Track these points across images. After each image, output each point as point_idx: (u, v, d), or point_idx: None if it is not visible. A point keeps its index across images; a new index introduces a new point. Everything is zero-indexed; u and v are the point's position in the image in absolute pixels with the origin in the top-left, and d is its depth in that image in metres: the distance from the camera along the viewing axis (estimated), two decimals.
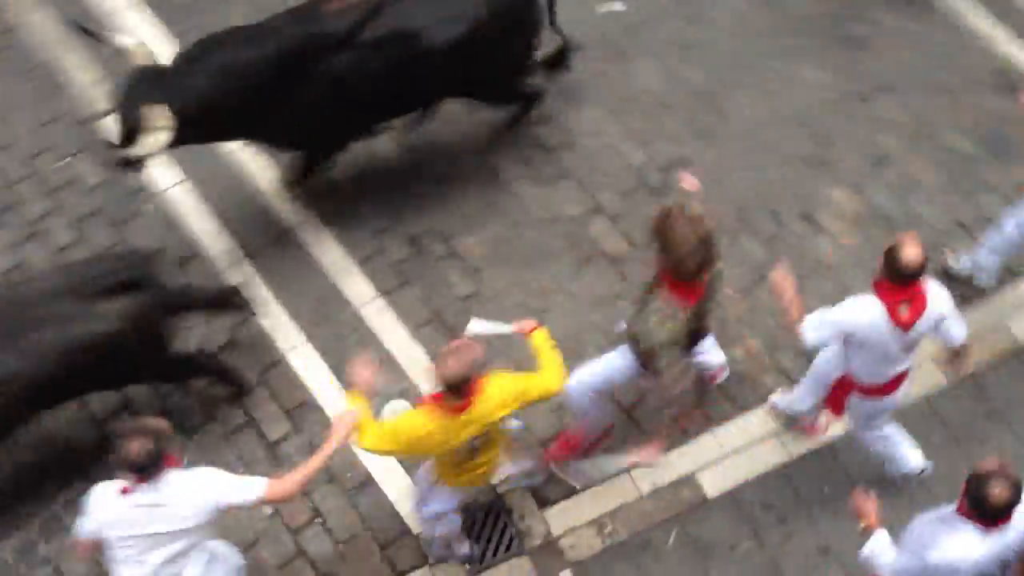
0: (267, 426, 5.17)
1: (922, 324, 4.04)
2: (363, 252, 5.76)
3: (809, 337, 4.10)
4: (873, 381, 4.27)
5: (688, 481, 4.99)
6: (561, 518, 4.91)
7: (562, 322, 5.47)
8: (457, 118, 6.17)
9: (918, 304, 3.97)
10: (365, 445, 3.94)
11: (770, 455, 5.04)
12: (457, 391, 3.84)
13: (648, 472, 4.97)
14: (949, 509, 3.58)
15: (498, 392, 3.95)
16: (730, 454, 5.06)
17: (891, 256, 3.87)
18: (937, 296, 4.09)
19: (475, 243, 5.83)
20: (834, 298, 5.42)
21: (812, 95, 6.27)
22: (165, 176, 5.93)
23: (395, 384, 5.29)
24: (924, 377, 5.12)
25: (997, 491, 3.35)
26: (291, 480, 3.87)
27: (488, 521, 4.90)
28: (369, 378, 4.04)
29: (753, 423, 5.15)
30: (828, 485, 4.94)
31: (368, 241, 5.81)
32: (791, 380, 5.18)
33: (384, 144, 6.09)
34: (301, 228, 5.84)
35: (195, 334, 5.38)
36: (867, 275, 5.52)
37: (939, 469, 4.83)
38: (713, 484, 4.99)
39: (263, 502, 3.91)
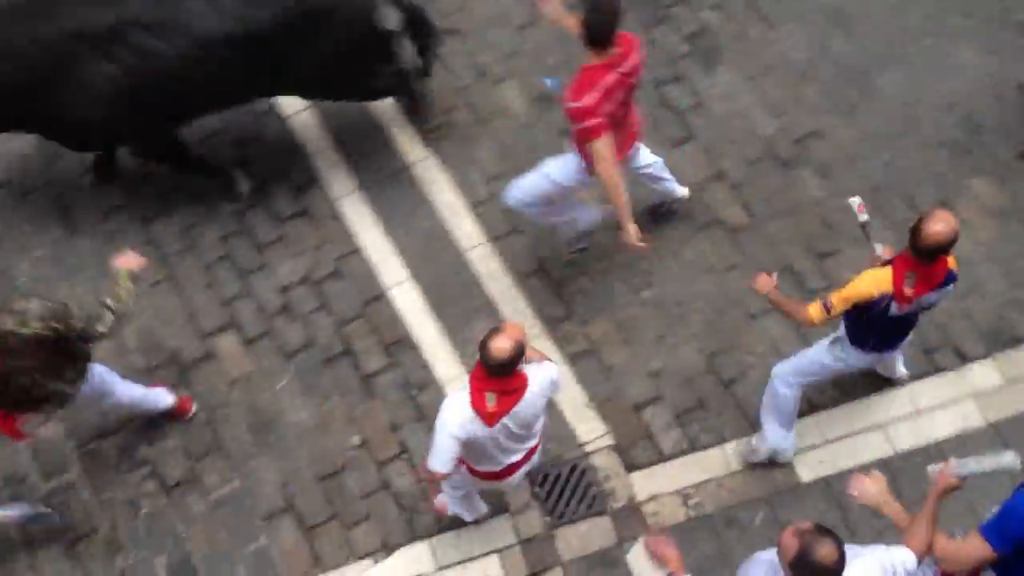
0: (364, 358, 5.21)
1: (521, 413, 3.81)
2: (476, 196, 5.72)
3: (441, 469, 3.85)
4: (488, 468, 4.08)
5: (783, 463, 4.79)
6: (647, 483, 4.80)
7: (668, 287, 5.34)
8: None
9: (511, 395, 3.75)
10: None
11: (873, 448, 4.79)
12: None
13: (742, 449, 4.81)
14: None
15: None
16: (830, 441, 4.84)
17: (483, 347, 3.65)
18: (537, 380, 3.84)
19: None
20: (962, 293, 5.16)
21: (967, 79, 5.86)
22: (292, 101, 6.00)
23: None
24: None
25: (825, 551, 3.09)
26: None
27: (571, 477, 4.83)
28: None
29: (859, 413, 4.91)
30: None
31: (482, 186, 5.76)
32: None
33: (513, 94, 6.03)
34: (418, 167, 5.83)
35: (302, 262, 5.47)
36: (1001, 271, 5.24)
37: None
38: (809, 469, 4.78)
39: None
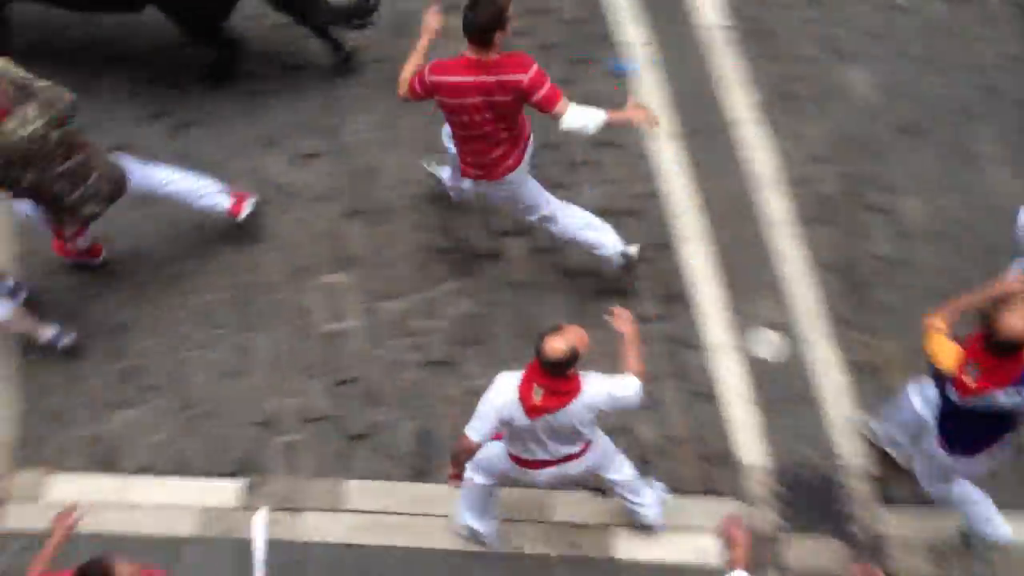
0: (638, 301, 5.05)
1: (560, 417, 3.73)
2: (794, 173, 5.45)
3: (475, 435, 3.82)
4: (518, 453, 4.01)
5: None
6: (898, 523, 4.45)
7: None
8: (956, 69, 5.55)
9: (559, 396, 3.68)
10: None
11: None
12: None
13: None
14: None
15: None
16: None
17: (539, 341, 3.64)
18: (591, 392, 3.74)
19: (917, 207, 5.31)
20: None
21: None
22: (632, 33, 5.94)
23: (771, 312, 5.01)
24: None
25: None
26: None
27: (819, 488, 4.56)
28: None
29: None
30: None
31: (804, 164, 5.48)
32: None
33: (861, 77, 5.68)
34: (741, 128, 5.61)
35: (604, 190, 5.40)
36: None
37: None
38: None
39: None
